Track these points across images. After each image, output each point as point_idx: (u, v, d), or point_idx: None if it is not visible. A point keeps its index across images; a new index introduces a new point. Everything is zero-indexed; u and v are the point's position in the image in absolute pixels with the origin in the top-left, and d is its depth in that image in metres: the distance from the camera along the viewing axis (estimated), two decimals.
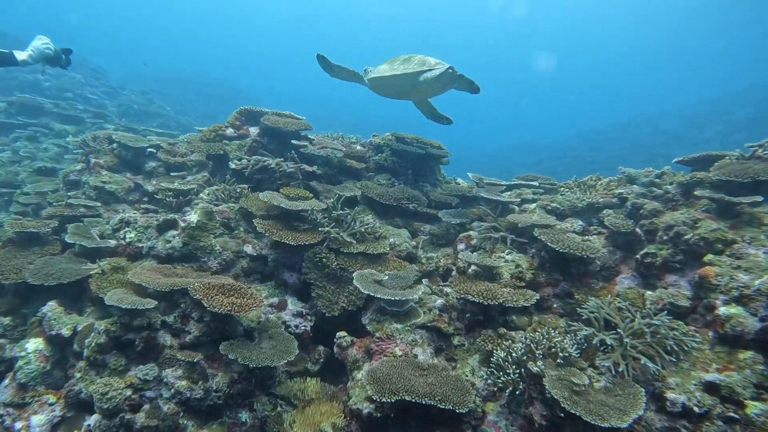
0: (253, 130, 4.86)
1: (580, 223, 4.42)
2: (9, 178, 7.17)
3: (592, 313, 3.19)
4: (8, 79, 12.48)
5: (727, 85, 32.46)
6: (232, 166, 4.54)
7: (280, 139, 4.84)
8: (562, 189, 5.08)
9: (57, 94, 12.78)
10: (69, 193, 4.96)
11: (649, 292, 3.42)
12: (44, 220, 4.28)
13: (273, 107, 5.11)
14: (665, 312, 3.09)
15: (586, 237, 4.21)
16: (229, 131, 4.85)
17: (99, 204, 4.61)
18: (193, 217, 3.98)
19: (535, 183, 5.20)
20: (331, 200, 4.25)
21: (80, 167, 5.32)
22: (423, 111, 4.88)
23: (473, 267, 3.88)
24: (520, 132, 44.21)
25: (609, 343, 2.99)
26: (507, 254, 4.05)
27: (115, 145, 5.15)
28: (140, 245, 4.07)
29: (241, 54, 61.70)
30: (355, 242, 4.00)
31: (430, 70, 4.06)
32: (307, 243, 3.87)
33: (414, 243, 4.52)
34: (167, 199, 4.18)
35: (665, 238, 3.61)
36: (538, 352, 2.91)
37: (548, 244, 3.69)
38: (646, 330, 2.94)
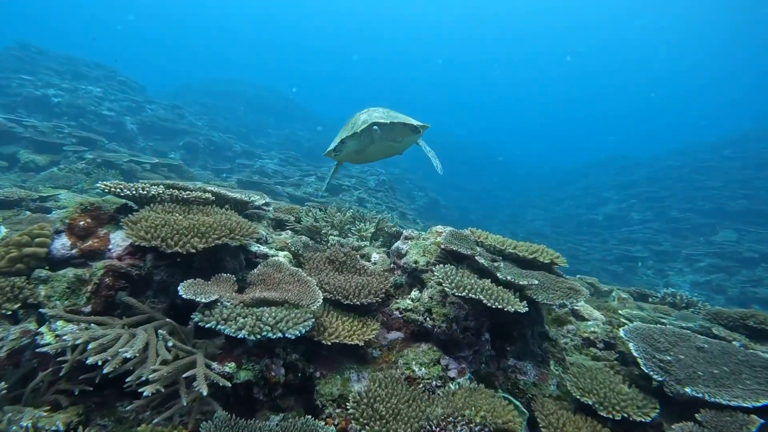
0: (120, 241, 2.04)
1: None
2: None
3: None
4: (12, 95, 11.03)
5: None
6: (44, 340, 1.80)
7: (186, 258, 2.03)
8: None
9: (66, 111, 11.18)
10: None
11: None
12: None
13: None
14: None
15: None
16: (60, 244, 2.02)
17: None
18: None
19: None
20: None
21: None
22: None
23: None
24: (603, 144, 38.91)
25: None
26: None
27: None
28: None
29: (294, 61, 61.11)
30: None
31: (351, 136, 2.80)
32: None
33: None
34: None
35: None
36: None
37: None
38: None
